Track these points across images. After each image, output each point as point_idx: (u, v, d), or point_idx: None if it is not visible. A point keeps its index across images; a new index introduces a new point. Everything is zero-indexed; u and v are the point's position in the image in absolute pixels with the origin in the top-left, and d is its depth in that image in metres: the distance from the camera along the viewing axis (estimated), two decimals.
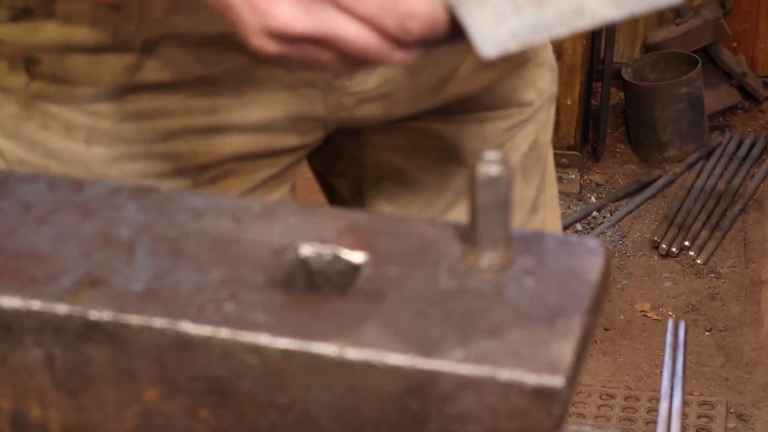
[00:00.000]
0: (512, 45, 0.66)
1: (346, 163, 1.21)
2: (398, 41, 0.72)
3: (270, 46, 0.74)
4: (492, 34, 0.66)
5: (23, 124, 1.05)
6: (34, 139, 1.05)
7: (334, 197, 1.27)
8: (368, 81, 1.07)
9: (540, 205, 1.26)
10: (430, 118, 1.15)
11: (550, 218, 1.29)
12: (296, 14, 0.72)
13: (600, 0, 0.67)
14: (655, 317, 2.88)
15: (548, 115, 1.25)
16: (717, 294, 2.96)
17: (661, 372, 2.64)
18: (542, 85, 1.21)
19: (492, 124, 1.18)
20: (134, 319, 0.62)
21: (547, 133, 1.26)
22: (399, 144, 1.17)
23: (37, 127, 1.04)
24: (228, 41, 1.00)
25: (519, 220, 1.23)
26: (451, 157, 1.18)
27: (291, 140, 1.09)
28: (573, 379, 0.59)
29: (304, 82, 1.05)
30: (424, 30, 0.70)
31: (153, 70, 1.01)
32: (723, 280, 3.01)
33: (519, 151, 1.21)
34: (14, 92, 1.04)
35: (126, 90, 1.02)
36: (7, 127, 1.05)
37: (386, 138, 1.17)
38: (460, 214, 1.19)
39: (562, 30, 0.67)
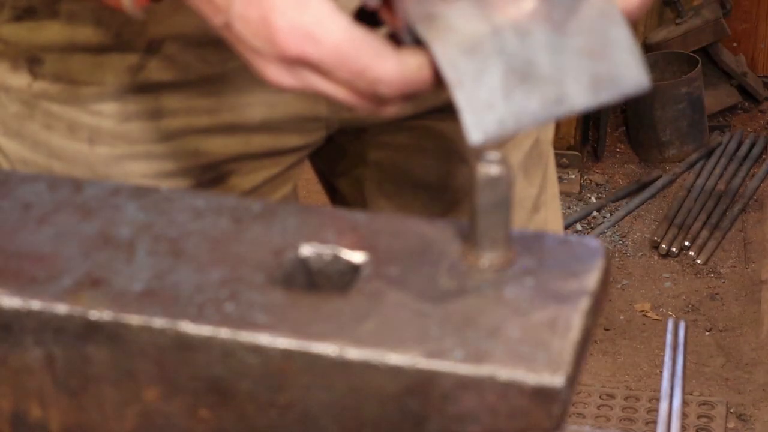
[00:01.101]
0: (498, 133, 0.69)
1: (348, 163, 1.21)
2: (376, 101, 0.75)
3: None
4: (481, 121, 0.69)
5: (26, 124, 1.05)
6: (37, 138, 1.05)
7: (336, 197, 1.27)
8: None
9: (541, 204, 1.26)
10: (432, 117, 1.15)
11: (551, 218, 1.29)
12: (282, 76, 0.76)
13: (578, 89, 0.70)
14: (655, 317, 2.88)
15: None
16: (717, 294, 2.96)
17: (661, 372, 2.64)
18: None
19: None
20: (134, 319, 0.62)
21: (549, 132, 1.26)
22: (401, 143, 1.17)
23: (40, 127, 1.04)
24: None
25: (520, 220, 1.23)
26: (453, 156, 1.18)
27: (293, 140, 1.09)
28: (573, 379, 0.59)
29: None
30: (398, 92, 0.74)
31: (156, 70, 1.01)
32: (723, 280, 3.01)
33: (521, 150, 1.21)
34: (17, 92, 1.04)
35: (129, 90, 1.02)
36: (11, 126, 1.05)
37: (388, 137, 1.17)
38: (462, 212, 1.19)
39: (543, 118, 0.70)
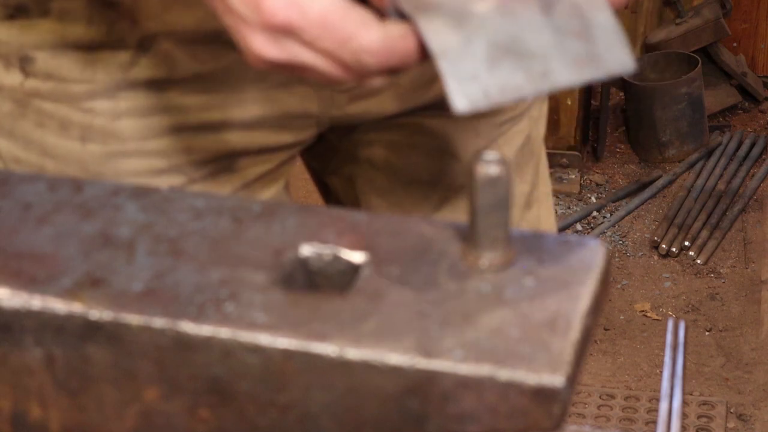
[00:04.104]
0: (482, 103, 0.70)
1: (339, 160, 1.21)
2: (359, 72, 0.76)
3: (257, 65, 0.79)
4: (465, 90, 0.70)
5: (18, 123, 1.05)
6: (29, 137, 1.05)
7: (328, 195, 1.27)
8: None
9: (534, 201, 1.27)
10: (423, 114, 1.16)
11: (544, 215, 1.29)
12: (266, 46, 0.77)
13: (563, 67, 0.72)
14: (655, 317, 2.88)
15: (541, 111, 1.26)
16: (717, 294, 2.96)
17: (661, 372, 2.64)
18: None
19: (485, 119, 1.18)
20: (134, 319, 0.62)
21: (540, 129, 1.27)
22: (393, 140, 1.17)
23: (32, 126, 1.05)
24: (222, 39, 1.01)
25: (513, 217, 1.24)
26: (444, 153, 1.18)
27: (284, 137, 1.09)
28: (573, 379, 0.59)
29: (297, 79, 1.05)
30: (382, 61, 0.74)
31: (148, 68, 1.01)
32: (723, 280, 3.01)
33: (512, 146, 1.22)
34: (9, 90, 1.04)
35: (121, 87, 1.02)
36: (3, 125, 1.06)
37: (380, 134, 1.17)
38: (453, 209, 1.20)
39: (528, 92, 0.71)
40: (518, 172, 1.23)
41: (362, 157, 1.19)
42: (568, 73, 0.71)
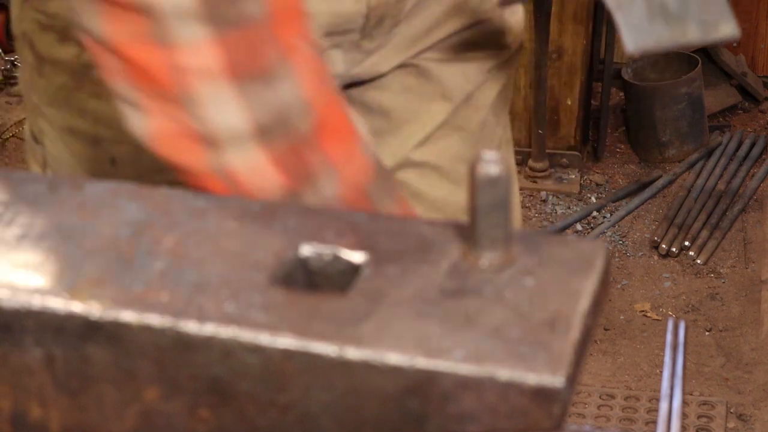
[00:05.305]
0: (643, 49, 0.98)
1: None
2: None
3: None
4: (634, 38, 0.96)
5: (74, 94, 1.08)
6: (84, 107, 1.08)
7: None
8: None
9: (503, 143, 1.38)
10: (420, 57, 1.24)
11: (508, 156, 1.43)
12: None
13: (694, 28, 0.98)
14: (655, 317, 2.88)
15: (516, 63, 1.36)
16: (717, 294, 2.96)
17: (661, 372, 2.64)
18: (517, 30, 1.32)
19: (475, 63, 1.27)
20: (134, 319, 0.62)
21: (511, 79, 1.37)
22: (387, 82, 1.23)
23: (87, 96, 1.08)
24: None
25: None
26: (434, 94, 1.26)
27: None
28: (573, 379, 0.59)
29: (329, 44, 1.10)
30: None
31: None
32: (723, 280, 3.01)
33: (494, 91, 1.31)
34: (65, 63, 1.07)
35: None
36: (57, 97, 1.08)
37: (377, 79, 1.22)
38: (434, 146, 1.28)
39: (671, 45, 0.98)
40: (495, 115, 1.34)
41: (358, 101, 1.23)
42: (697, 33, 0.96)
